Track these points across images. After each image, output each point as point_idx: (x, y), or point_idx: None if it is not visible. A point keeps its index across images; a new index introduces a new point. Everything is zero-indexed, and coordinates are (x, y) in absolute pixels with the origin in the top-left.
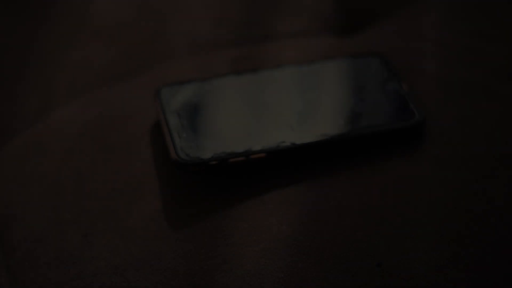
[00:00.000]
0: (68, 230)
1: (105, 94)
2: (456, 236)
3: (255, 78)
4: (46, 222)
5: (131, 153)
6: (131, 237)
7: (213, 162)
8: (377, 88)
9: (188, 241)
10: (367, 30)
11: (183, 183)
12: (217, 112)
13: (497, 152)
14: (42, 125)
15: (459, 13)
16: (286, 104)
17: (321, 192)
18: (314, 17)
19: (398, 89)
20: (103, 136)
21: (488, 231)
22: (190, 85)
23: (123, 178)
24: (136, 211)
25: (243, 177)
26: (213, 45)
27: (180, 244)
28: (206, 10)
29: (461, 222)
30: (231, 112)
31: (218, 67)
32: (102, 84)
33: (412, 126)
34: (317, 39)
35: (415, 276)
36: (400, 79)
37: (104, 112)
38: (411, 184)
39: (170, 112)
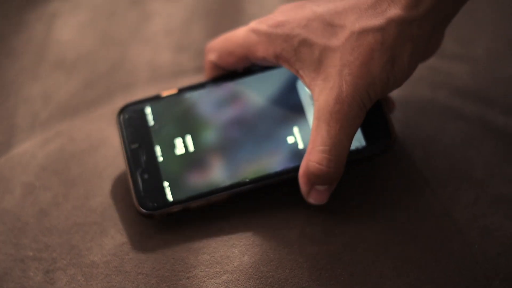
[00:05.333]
0: (30, 267)
1: (66, 126)
2: (419, 261)
3: (229, 91)
4: (8, 259)
5: (92, 187)
6: (93, 272)
7: (174, 209)
8: None
9: (150, 275)
10: None
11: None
12: (176, 146)
13: (460, 173)
14: (3, 160)
15: None
16: (249, 134)
17: (284, 220)
18: None
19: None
20: (64, 169)
21: (452, 255)
22: (153, 105)
23: (84, 213)
24: (97, 246)
25: (204, 209)
26: (175, 73)
27: (142, 279)
28: (167, 38)
29: (425, 247)
30: (194, 143)
31: None
32: (63, 116)
33: (384, 150)
34: None
35: None
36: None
37: (66, 145)
38: (373, 210)
39: (131, 148)
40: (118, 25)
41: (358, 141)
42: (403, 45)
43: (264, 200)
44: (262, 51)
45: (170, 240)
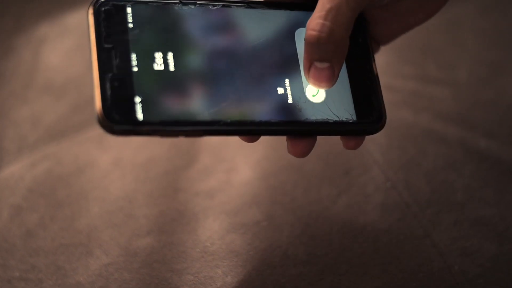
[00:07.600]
0: (17, 287)
1: (54, 149)
2: (400, 282)
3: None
4: None
5: (78, 208)
6: None
7: (142, 130)
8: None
9: None
10: None
11: (130, 237)
12: (161, 58)
13: (440, 196)
14: None
15: (405, 56)
16: (237, 71)
17: (267, 241)
18: None
19: (368, 70)
20: (51, 192)
21: (432, 276)
22: (135, 6)
23: (71, 234)
24: (83, 267)
25: (184, 229)
26: None
27: None
28: None
29: (406, 268)
30: (175, 63)
31: None
32: (51, 139)
33: (372, 131)
34: None
35: None
36: (373, 57)
37: (53, 168)
38: (355, 232)
39: (104, 47)
40: None
41: (350, 114)
42: None
43: (244, 220)
44: None
45: (154, 261)
